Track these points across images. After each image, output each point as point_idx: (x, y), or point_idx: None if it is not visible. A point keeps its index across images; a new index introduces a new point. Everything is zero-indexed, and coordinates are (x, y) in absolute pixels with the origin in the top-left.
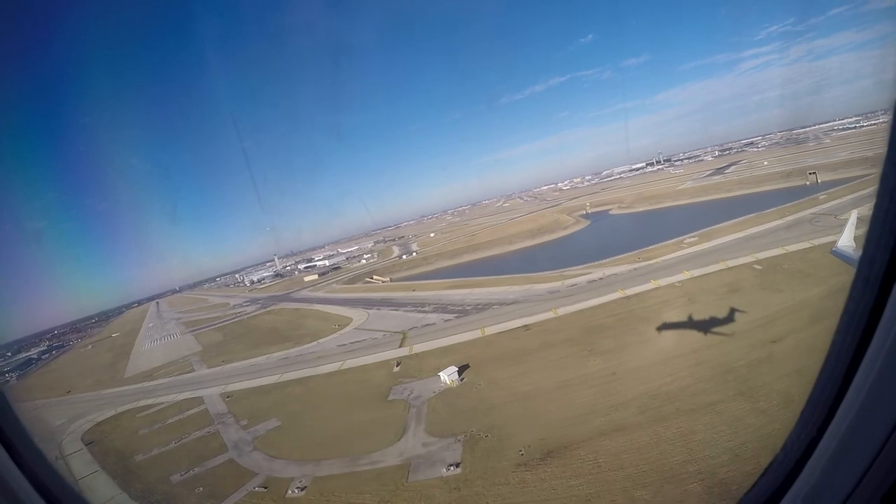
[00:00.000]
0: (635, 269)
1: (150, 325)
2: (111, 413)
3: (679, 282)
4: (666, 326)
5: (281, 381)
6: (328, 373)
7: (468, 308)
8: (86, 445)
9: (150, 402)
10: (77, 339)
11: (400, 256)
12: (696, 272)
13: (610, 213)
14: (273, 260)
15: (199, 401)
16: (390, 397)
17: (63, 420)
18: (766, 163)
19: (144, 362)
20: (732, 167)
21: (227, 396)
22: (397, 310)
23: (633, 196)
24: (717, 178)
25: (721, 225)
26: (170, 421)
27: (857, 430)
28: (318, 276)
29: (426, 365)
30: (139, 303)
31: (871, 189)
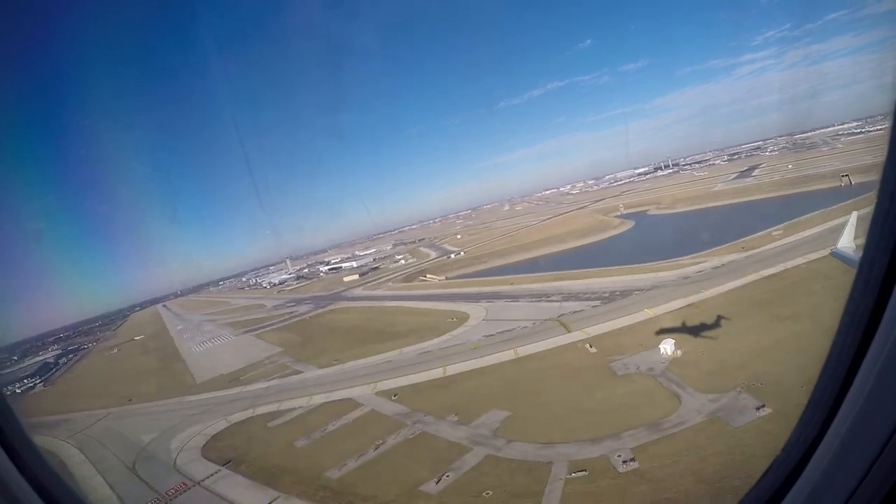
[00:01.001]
0: (749, 257)
1: (179, 327)
2: (223, 424)
3: (813, 260)
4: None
5: (450, 375)
6: (508, 361)
7: (605, 295)
8: (223, 466)
9: (270, 409)
10: (90, 343)
11: (447, 256)
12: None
13: (649, 213)
14: (284, 262)
15: (351, 403)
16: (619, 373)
17: (154, 434)
18: (790, 166)
19: (211, 366)
20: (756, 170)
21: (392, 395)
22: (516, 301)
23: (669, 197)
24: (747, 180)
25: (797, 220)
26: (330, 428)
27: (858, 431)
28: (359, 276)
29: (621, 343)
30: (141, 306)
31: None
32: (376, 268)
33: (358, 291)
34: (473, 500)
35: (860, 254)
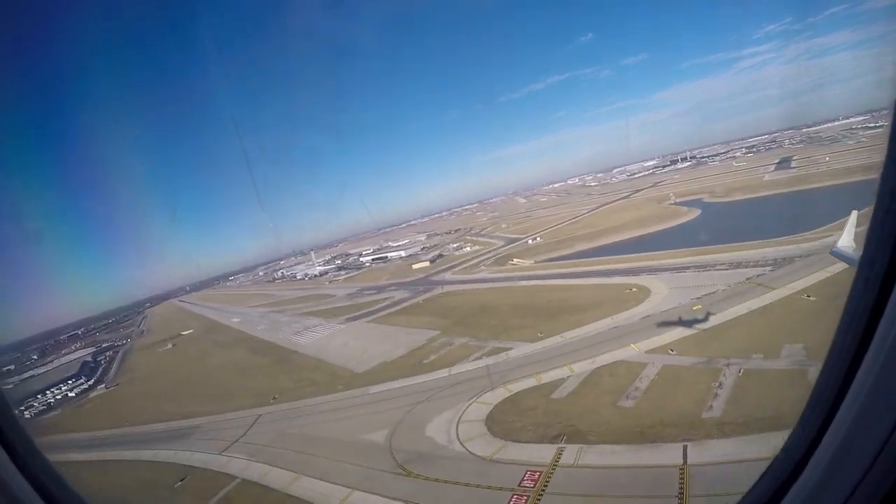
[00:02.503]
0: None
1: (235, 319)
2: (479, 406)
3: None
4: None
5: (712, 328)
6: (749, 312)
7: (767, 262)
8: (559, 444)
9: (524, 385)
10: (116, 340)
11: (521, 242)
12: None
13: (706, 201)
14: (310, 255)
15: (628, 364)
16: None
17: (382, 430)
18: (827, 158)
19: (354, 355)
20: (792, 162)
21: (668, 349)
22: (682, 272)
23: (720, 187)
24: (792, 171)
25: None
26: (639, 386)
27: (858, 430)
28: (430, 262)
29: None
30: (151, 302)
31: None
32: (441, 255)
33: (450, 276)
34: None
35: (860, 252)
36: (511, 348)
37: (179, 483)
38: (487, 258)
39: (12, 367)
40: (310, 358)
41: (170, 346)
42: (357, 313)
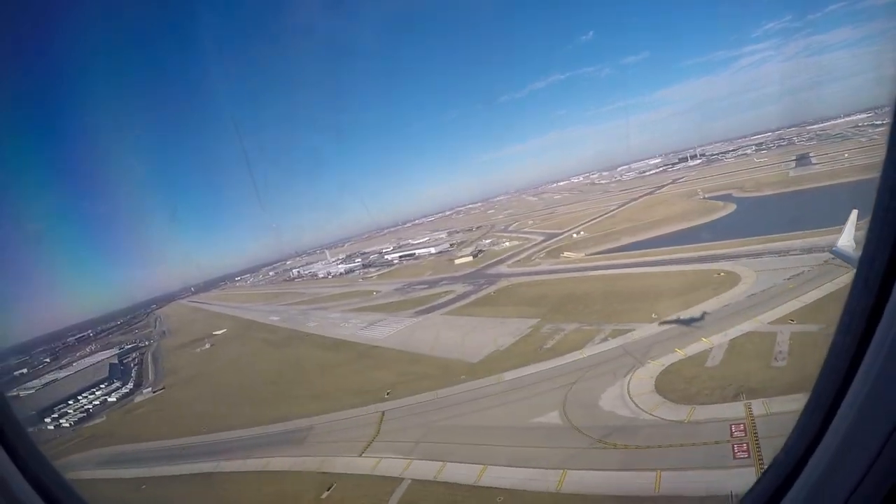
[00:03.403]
0: None
1: (274, 318)
2: (648, 380)
3: None
4: None
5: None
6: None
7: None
8: (741, 400)
9: (671, 359)
10: (135, 342)
11: (570, 235)
12: None
13: (735, 196)
14: (324, 254)
15: (759, 334)
16: None
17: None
18: (846, 154)
19: (456, 347)
20: (812, 158)
21: (789, 320)
22: (757, 258)
23: (748, 182)
24: (815, 167)
25: None
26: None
27: (858, 430)
28: (472, 257)
29: None
30: (155, 303)
31: None
32: (482, 251)
33: (507, 269)
34: None
35: (860, 252)
36: (632, 330)
37: (327, 493)
38: (535, 252)
39: (24, 370)
40: (398, 351)
41: (207, 345)
42: (423, 307)
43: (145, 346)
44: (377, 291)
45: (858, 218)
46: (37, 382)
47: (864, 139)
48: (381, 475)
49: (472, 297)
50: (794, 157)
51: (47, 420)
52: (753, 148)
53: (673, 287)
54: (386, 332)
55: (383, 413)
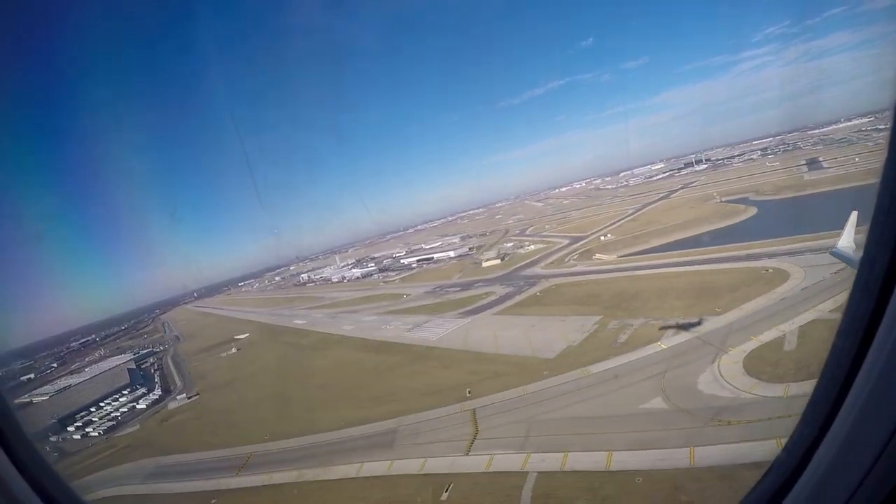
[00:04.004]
0: None
1: (299, 321)
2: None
3: None
4: None
5: None
6: None
7: None
8: None
9: (772, 335)
10: (148, 346)
11: (598, 238)
12: None
13: (752, 199)
14: (331, 258)
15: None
16: None
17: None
18: (856, 159)
19: (525, 345)
20: (823, 162)
21: None
22: (798, 255)
23: (766, 186)
24: (829, 171)
25: None
26: None
27: (859, 431)
28: (500, 260)
29: None
30: (159, 308)
31: None
32: (507, 254)
33: (543, 271)
34: None
35: (860, 254)
36: (700, 323)
37: (446, 494)
38: (565, 254)
39: (31, 375)
40: (459, 351)
41: (234, 350)
42: (467, 308)
43: (160, 350)
44: (407, 294)
45: (858, 220)
46: (49, 388)
47: (870, 143)
48: (499, 471)
49: (518, 298)
50: (804, 162)
51: (70, 429)
52: (759, 152)
53: (724, 283)
54: (437, 333)
55: (474, 410)
